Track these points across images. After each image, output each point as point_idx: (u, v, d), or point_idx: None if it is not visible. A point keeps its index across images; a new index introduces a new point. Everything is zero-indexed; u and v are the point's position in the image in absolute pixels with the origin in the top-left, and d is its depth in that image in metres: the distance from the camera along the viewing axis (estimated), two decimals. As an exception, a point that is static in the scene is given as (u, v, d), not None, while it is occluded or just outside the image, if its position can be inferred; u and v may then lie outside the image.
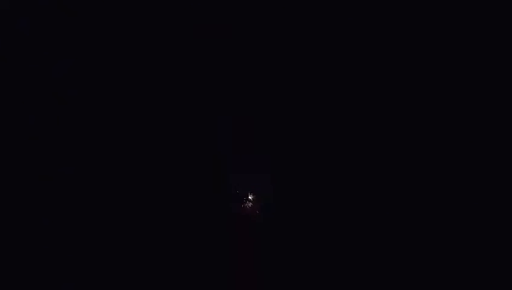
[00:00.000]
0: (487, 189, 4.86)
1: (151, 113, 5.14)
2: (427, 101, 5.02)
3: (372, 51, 5.10)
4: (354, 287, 4.96)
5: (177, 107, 5.20)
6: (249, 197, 5.16)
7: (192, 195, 5.15)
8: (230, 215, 5.21)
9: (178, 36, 5.23)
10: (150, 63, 5.20)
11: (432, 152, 4.98)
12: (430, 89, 5.06)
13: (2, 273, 4.86)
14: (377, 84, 5.13)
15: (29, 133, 4.99)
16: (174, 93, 5.21)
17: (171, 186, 5.10)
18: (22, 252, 4.93)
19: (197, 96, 5.29)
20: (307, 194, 5.14)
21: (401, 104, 5.05)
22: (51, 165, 5.03)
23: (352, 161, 5.07)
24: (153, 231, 5.04)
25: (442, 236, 4.92)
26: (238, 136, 5.39)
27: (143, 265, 5.01)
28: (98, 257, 4.98)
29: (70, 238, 4.98)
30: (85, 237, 4.99)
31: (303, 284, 5.03)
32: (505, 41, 4.94)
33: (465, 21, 5.01)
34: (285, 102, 5.27)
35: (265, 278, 5.05)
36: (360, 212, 5.03)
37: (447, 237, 4.91)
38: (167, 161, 5.14)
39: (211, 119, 5.24)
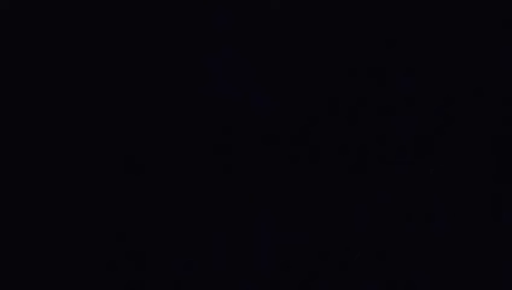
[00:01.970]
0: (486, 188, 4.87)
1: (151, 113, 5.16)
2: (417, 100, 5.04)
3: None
4: (354, 287, 4.97)
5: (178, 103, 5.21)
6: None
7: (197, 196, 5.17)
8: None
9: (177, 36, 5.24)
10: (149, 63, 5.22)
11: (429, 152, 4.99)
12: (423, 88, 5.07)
13: (3, 273, 4.88)
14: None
15: (30, 133, 5.01)
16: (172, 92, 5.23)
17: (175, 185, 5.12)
18: (23, 252, 4.95)
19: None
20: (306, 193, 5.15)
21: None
22: (50, 164, 5.05)
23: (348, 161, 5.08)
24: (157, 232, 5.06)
25: (441, 236, 4.92)
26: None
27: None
28: (100, 255, 4.99)
29: (71, 238, 5.00)
30: (86, 235, 5.01)
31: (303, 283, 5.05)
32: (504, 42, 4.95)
33: (465, 21, 5.02)
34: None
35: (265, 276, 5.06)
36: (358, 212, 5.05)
37: (446, 237, 4.92)
38: (169, 160, 5.16)
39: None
